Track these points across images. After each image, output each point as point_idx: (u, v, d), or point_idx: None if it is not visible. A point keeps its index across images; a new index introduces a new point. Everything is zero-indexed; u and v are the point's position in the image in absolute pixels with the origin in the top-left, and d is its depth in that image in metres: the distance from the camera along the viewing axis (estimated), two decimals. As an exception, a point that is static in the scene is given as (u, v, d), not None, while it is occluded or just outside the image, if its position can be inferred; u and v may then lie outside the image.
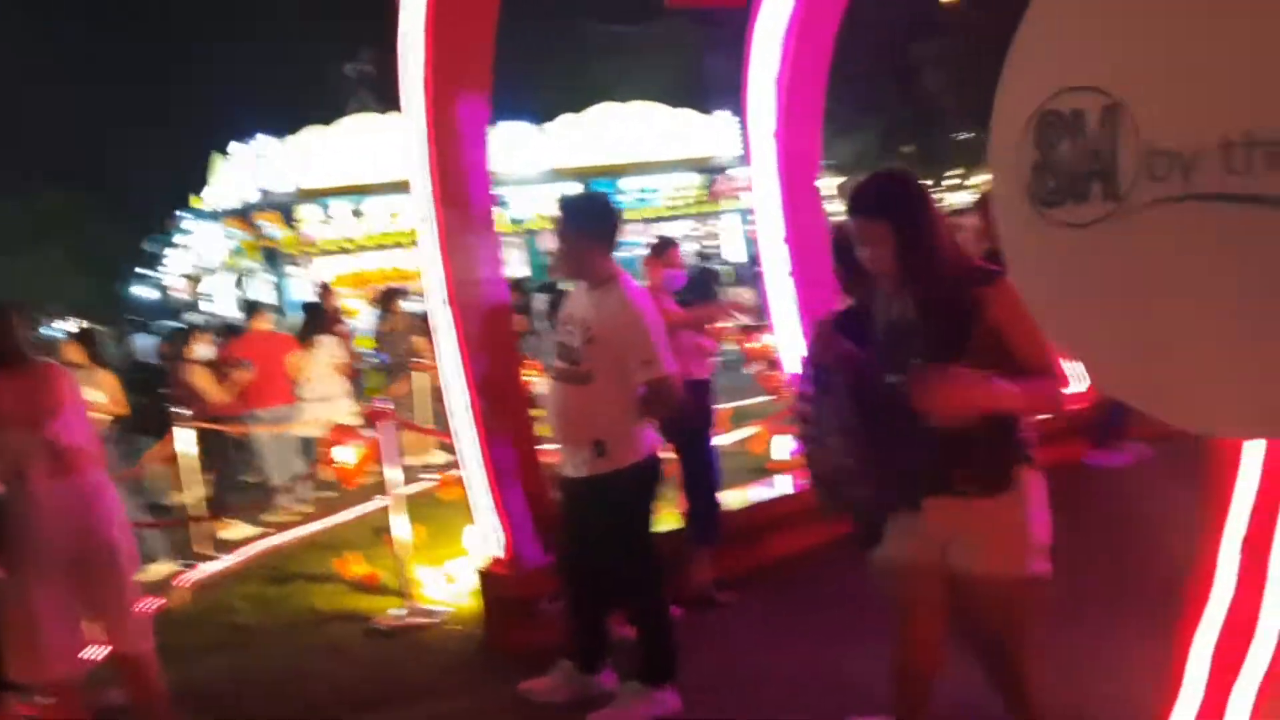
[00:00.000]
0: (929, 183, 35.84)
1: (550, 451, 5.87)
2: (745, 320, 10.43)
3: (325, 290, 10.93)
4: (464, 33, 4.29)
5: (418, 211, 4.51)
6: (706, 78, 24.01)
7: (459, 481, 7.83)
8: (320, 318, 8.85)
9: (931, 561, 2.56)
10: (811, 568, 5.01)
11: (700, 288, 5.01)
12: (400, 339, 9.14)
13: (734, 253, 21.33)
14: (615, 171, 19.75)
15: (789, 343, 5.64)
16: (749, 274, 18.42)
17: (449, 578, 5.50)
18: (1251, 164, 1.66)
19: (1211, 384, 1.80)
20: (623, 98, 20.21)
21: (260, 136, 17.27)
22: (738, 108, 19.64)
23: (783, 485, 5.68)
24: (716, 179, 21.06)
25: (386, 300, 9.82)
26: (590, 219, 3.60)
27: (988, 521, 2.44)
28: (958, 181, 28.90)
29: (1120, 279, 1.91)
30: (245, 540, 7.07)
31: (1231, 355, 1.76)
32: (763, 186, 5.57)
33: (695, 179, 20.83)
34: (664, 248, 4.77)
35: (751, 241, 23.88)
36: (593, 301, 3.49)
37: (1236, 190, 1.68)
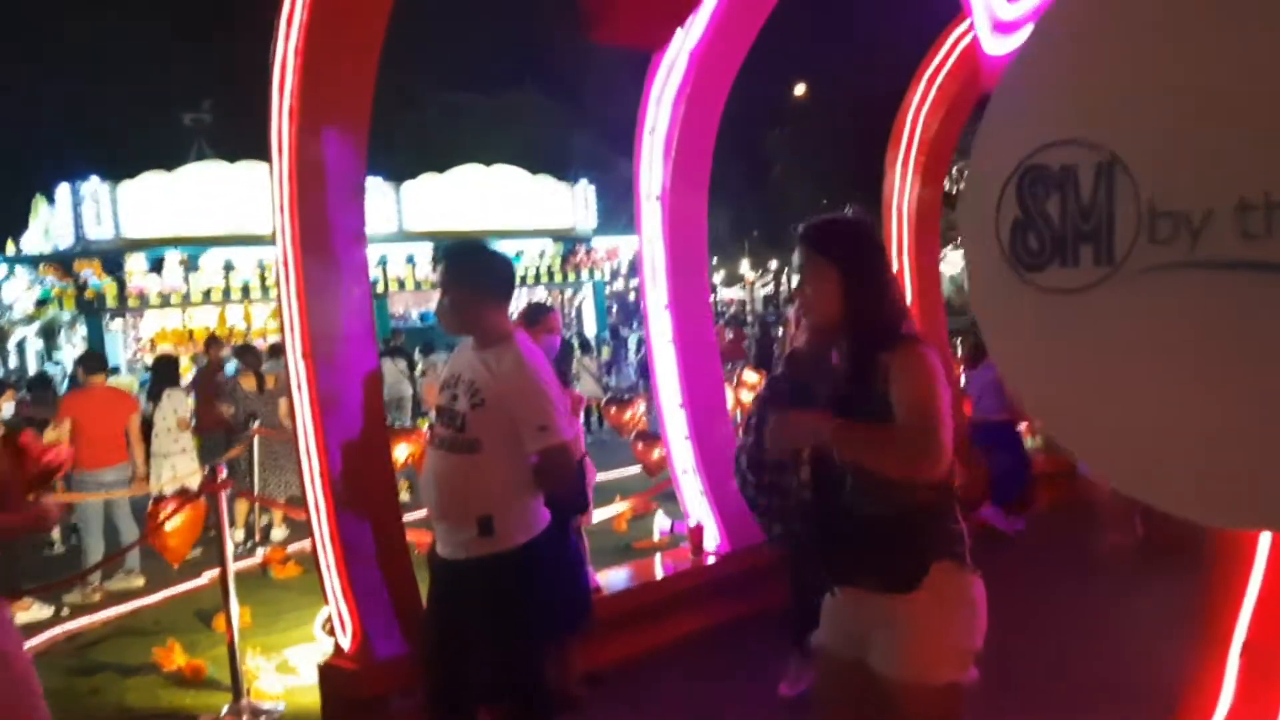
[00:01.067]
0: (774, 265, 36.94)
1: (418, 529, 5.44)
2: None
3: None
4: (340, 65, 3.92)
5: (278, 259, 4.05)
6: (566, 149, 24.08)
7: (293, 558, 7.34)
8: (169, 372, 8.34)
9: (852, 654, 2.32)
10: (688, 657, 4.72)
11: (561, 360, 4.73)
12: (249, 398, 8.46)
13: (590, 323, 21.24)
14: (474, 236, 19.37)
15: (671, 412, 5.40)
16: (603, 344, 18.34)
17: (287, 669, 4.88)
18: (1272, 228, 1.51)
19: (1214, 471, 1.63)
20: (486, 160, 19.94)
21: (93, 179, 16.00)
22: (595, 178, 19.76)
23: (656, 567, 5.37)
24: (575, 248, 20.99)
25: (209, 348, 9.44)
26: (483, 271, 3.26)
27: (901, 621, 2.20)
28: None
29: (1112, 352, 1.74)
30: (42, 624, 6.15)
31: (1237, 441, 1.59)
32: (649, 251, 5.37)
33: (552, 247, 20.67)
34: (539, 313, 4.45)
35: (607, 312, 24.02)
36: (483, 362, 3.13)
37: (1254, 257, 1.53)
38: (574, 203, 21.41)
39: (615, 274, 25.59)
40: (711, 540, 5.38)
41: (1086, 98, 1.73)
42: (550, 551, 3.24)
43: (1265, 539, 1.70)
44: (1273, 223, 1.51)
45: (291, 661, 5.00)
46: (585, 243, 21.23)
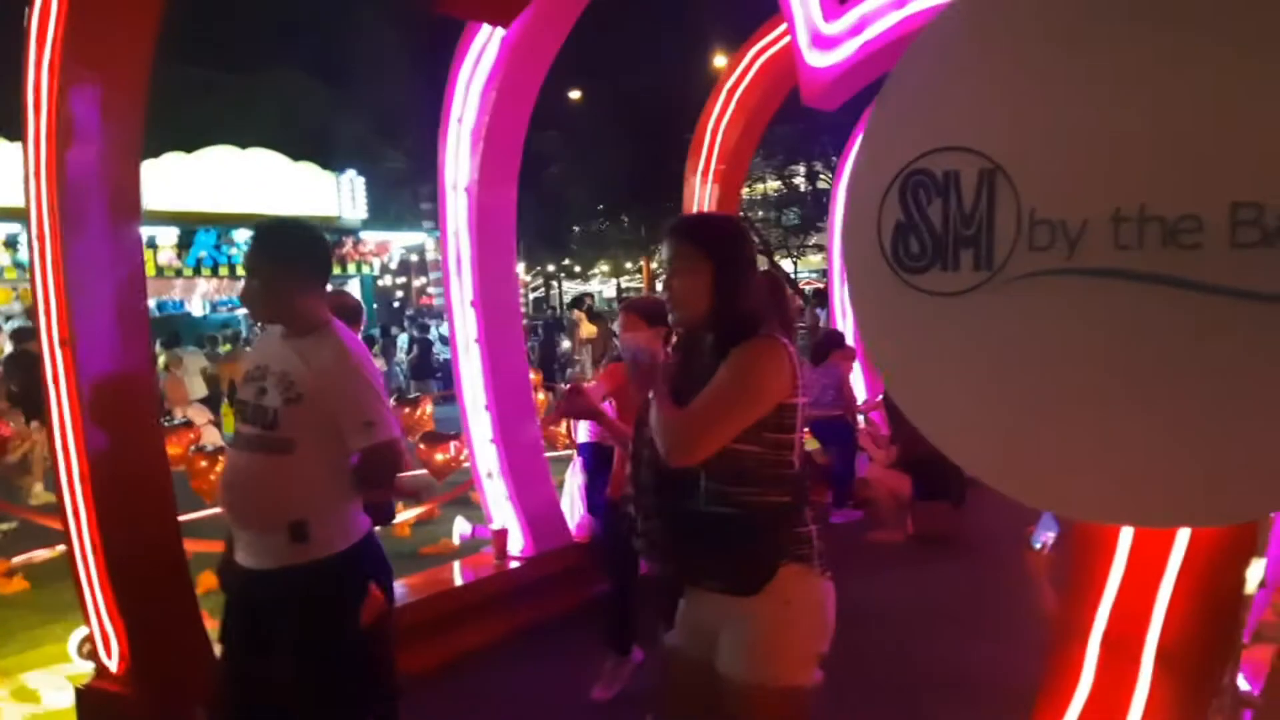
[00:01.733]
0: (551, 268, 36.73)
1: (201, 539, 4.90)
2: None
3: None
4: (115, 8, 3.46)
5: (31, 232, 3.53)
6: (333, 136, 22.91)
7: (19, 570, 6.45)
8: None
9: (700, 655, 2.29)
10: (495, 664, 4.56)
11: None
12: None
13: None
14: (226, 220, 18.02)
15: (476, 414, 5.20)
16: (373, 342, 17.60)
17: (29, 696, 4.28)
18: (1144, 239, 1.61)
19: (1080, 470, 1.72)
20: (241, 143, 18.59)
21: None
22: (365, 169, 18.89)
23: (456, 574, 5.16)
24: (342, 240, 20.02)
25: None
26: (298, 250, 2.96)
27: (746, 623, 2.19)
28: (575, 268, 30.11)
29: (989, 354, 1.79)
30: None
31: (1105, 440, 1.68)
32: (454, 245, 5.15)
33: (319, 238, 19.59)
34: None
35: (375, 308, 23.07)
36: (298, 352, 2.84)
37: (1127, 267, 1.62)
38: (340, 193, 20.44)
39: (385, 270, 24.65)
40: (516, 544, 5.23)
41: (971, 107, 1.78)
42: (371, 559, 3.00)
43: (1126, 533, 1.81)
44: (1145, 234, 1.60)
45: (32, 686, 4.39)
46: (353, 235, 20.31)
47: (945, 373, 1.84)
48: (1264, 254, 1.50)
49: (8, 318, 17.28)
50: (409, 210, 25.18)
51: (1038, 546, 5.37)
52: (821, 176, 28.09)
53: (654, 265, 39.12)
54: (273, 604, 2.78)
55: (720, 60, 28.55)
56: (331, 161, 20.59)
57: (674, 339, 2.51)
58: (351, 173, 20.50)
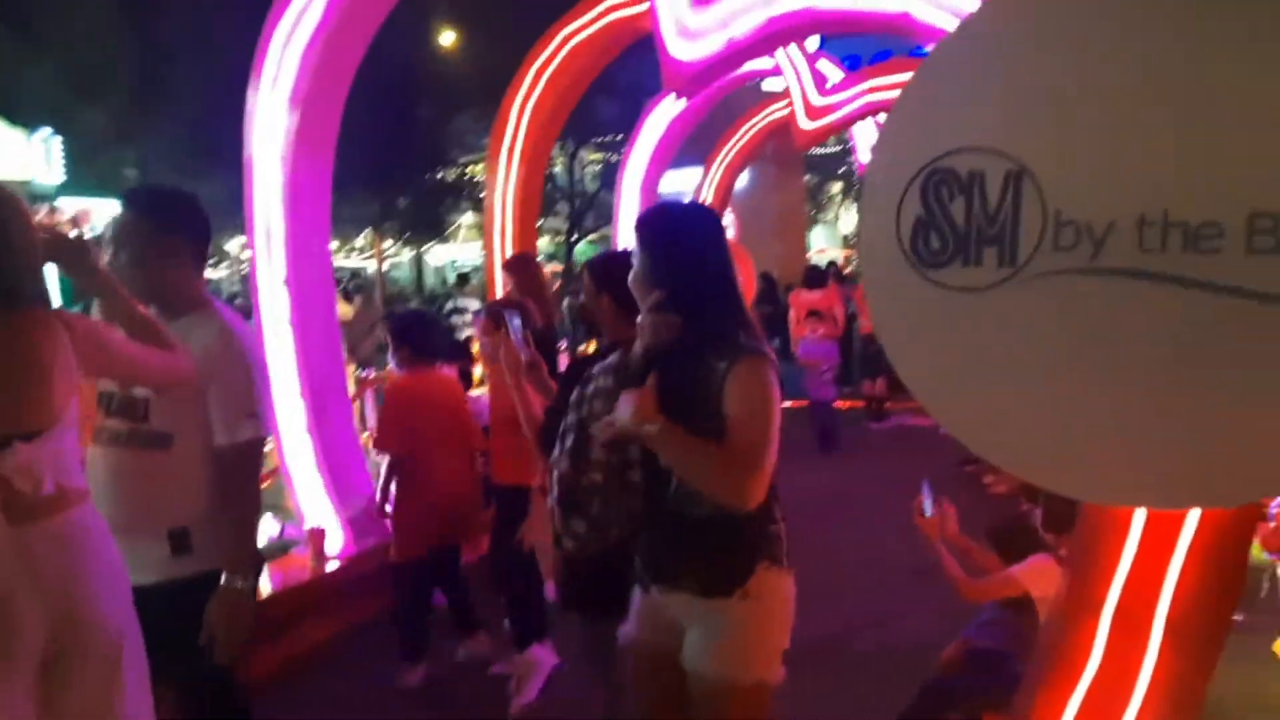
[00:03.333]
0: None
1: None
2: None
3: None
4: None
5: None
6: (21, 89, 19.97)
7: None
8: None
9: (665, 647, 2.26)
10: (320, 669, 4.28)
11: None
12: None
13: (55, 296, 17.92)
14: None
15: (286, 403, 4.75)
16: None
17: None
18: (1167, 243, 1.75)
19: (1098, 457, 1.85)
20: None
21: None
22: (62, 126, 16.64)
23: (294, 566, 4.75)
24: (35, 208, 17.56)
25: None
26: (172, 219, 2.56)
27: (718, 620, 2.19)
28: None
29: (1010, 347, 1.88)
30: None
31: (1124, 430, 1.82)
32: (262, 219, 4.66)
33: None
34: None
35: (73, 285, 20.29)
36: (175, 335, 2.46)
37: (1151, 268, 1.76)
38: (30, 153, 17.90)
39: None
40: (334, 544, 4.86)
41: (999, 108, 1.85)
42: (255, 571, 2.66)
43: (1140, 514, 1.97)
44: (1168, 238, 1.75)
45: None
46: (48, 202, 17.86)
47: (965, 364, 1.91)
48: (1277, 260, 1.68)
49: None
50: (113, 175, 22.50)
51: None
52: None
53: (386, 242, 37.80)
54: (152, 624, 2.40)
55: (448, 36, 28.09)
56: (20, 117, 17.96)
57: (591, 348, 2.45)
58: (46, 131, 17.96)
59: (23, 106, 18.57)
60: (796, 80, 6.54)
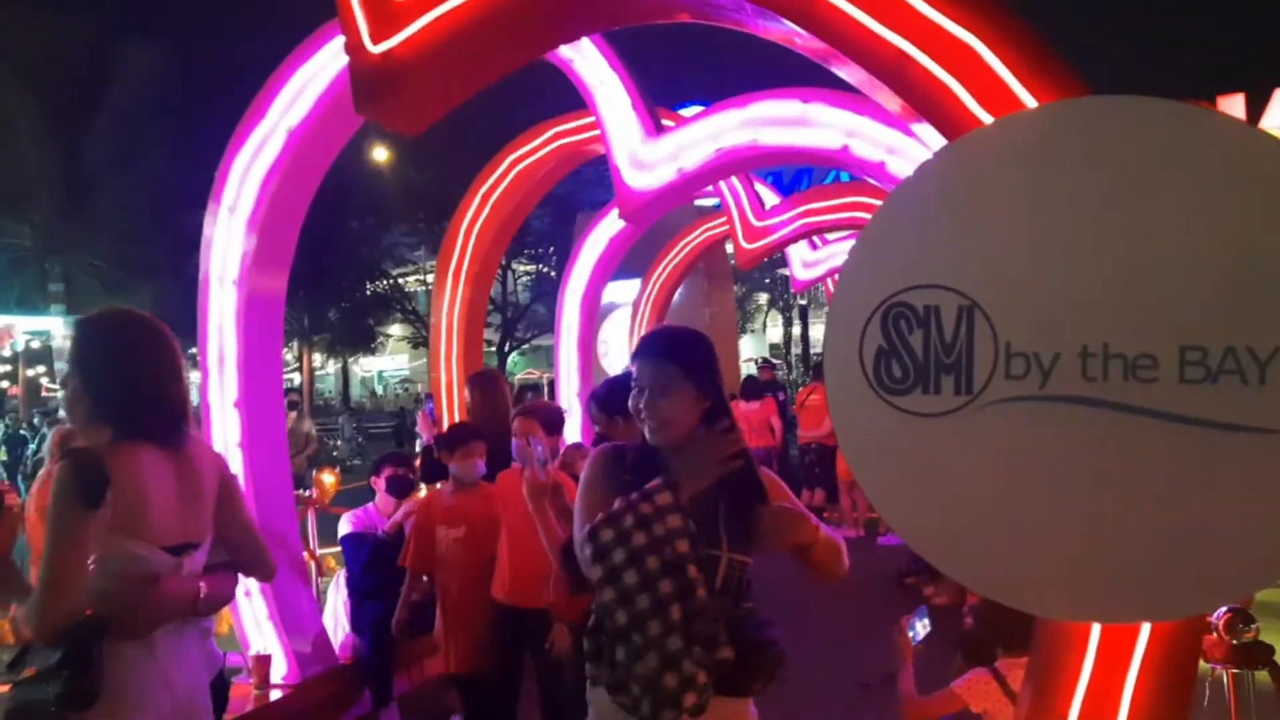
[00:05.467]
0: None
1: None
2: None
3: None
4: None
5: None
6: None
7: None
8: None
9: None
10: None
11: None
12: None
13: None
14: None
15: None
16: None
17: None
18: (1109, 373, 1.92)
19: (1052, 573, 1.98)
20: None
21: None
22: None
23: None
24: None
25: None
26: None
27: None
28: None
29: (968, 469, 2.01)
30: None
31: (1074, 546, 1.95)
32: (215, 341, 4.66)
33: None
34: None
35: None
36: None
37: (1093, 395, 1.93)
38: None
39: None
40: (278, 670, 4.72)
41: (950, 248, 2.03)
42: None
43: (1095, 629, 2.08)
44: (1109, 368, 1.92)
45: None
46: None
47: (926, 484, 2.04)
48: (1208, 388, 1.86)
49: None
50: (35, 291, 22.07)
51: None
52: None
53: (316, 357, 37.38)
54: None
55: (381, 153, 28.48)
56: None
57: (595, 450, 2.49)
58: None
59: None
60: (735, 205, 6.89)
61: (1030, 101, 2.52)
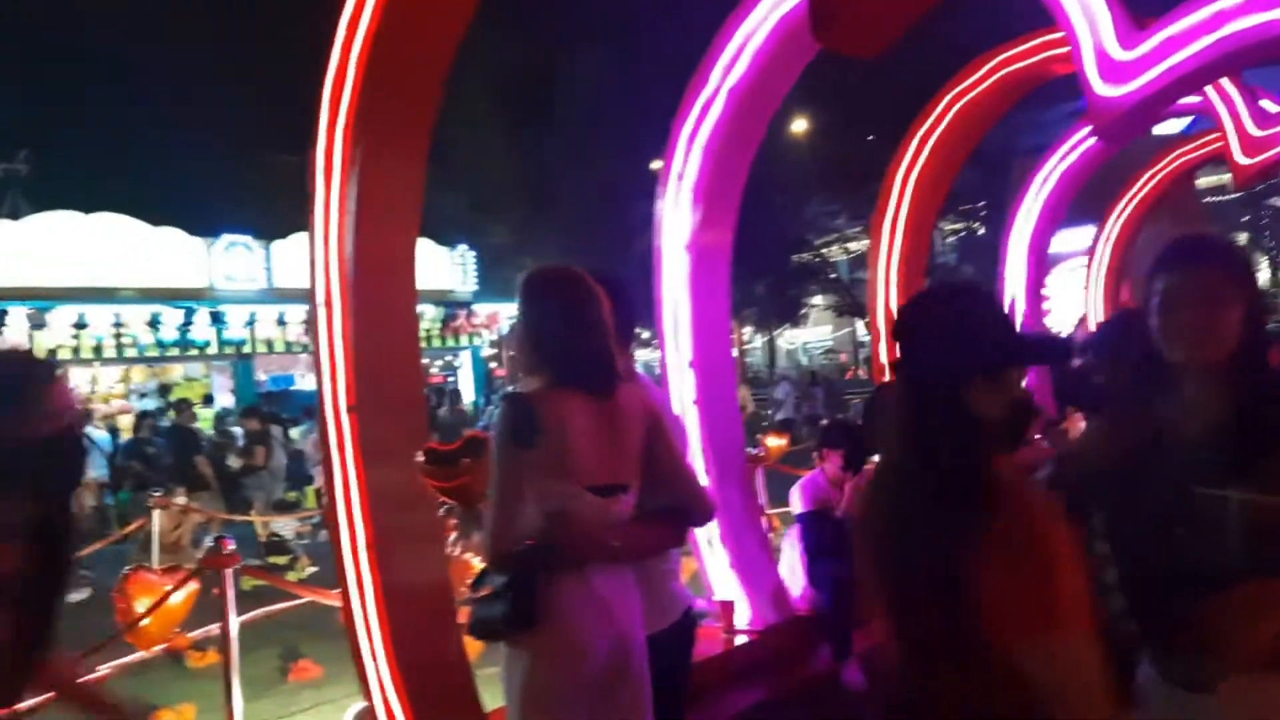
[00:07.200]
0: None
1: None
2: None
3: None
4: (407, 78, 3.45)
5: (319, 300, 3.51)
6: (443, 212, 23.48)
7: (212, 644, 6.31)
8: None
9: None
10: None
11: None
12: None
13: (469, 390, 20.51)
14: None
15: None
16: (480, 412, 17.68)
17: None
18: None
19: None
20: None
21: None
22: (475, 242, 19.19)
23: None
24: (456, 313, 20.32)
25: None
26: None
27: None
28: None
29: None
30: None
31: None
32: (671, 305, 5.01)
33: (433, 310, 19.94)
34: None
35: (485, 380, 23.22)
36: None
37: None
38: (452, 266, 20.82)
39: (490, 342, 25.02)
40: (742, 617, 4.98)
41: None
42: None
43: None
44: None
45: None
46: (466, 307, 20.62)
47: None
48: None
49: (142, 395, 17.81)
50: (512, 283, 25.46)
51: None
52: None
53: (745, 331, 38.96)
54: None
55: (800, 123, 28.50)
56: (441, 236, 21.03)
57: None
58: (463, 247, 20.89)
59: (442, 227, 21.76)
60: (1230, 113, 5.84)
61: None
